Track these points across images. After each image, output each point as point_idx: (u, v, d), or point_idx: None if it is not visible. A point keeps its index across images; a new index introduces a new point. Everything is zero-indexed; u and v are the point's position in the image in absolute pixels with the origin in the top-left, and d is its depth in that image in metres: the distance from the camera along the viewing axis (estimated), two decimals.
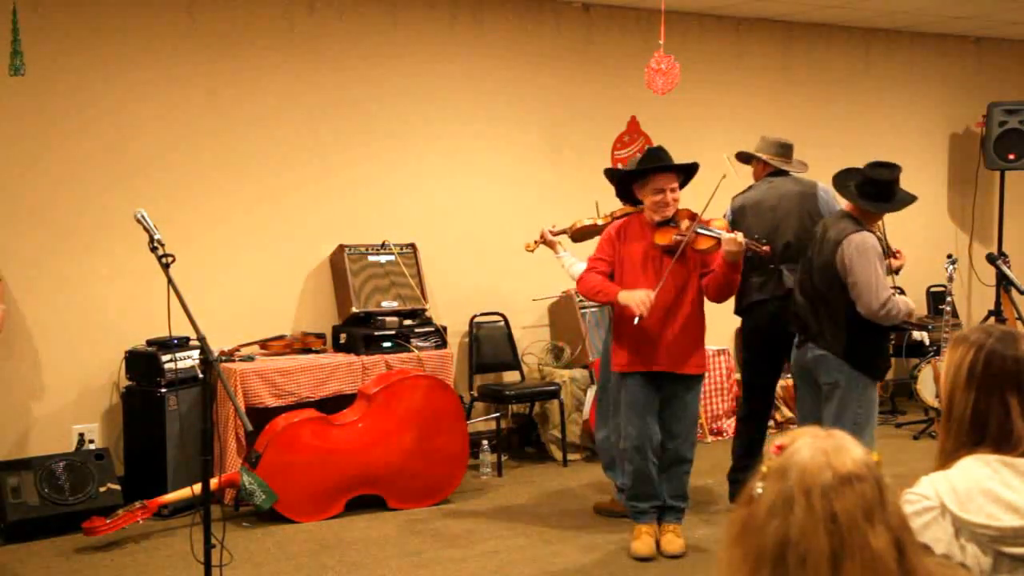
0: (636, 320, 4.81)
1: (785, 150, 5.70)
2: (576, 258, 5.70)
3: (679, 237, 4.94)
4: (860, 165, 5.05)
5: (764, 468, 1.54)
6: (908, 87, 8.83)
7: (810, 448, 1.52)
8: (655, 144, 7.54)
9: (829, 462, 1.49)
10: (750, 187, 5.70)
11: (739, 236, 4.81)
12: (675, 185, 5.02)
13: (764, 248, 4.97)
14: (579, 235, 5.84)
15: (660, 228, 5.00)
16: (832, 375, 4.83)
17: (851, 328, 4.77)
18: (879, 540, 1.46)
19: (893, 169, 4.91)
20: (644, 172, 5.01)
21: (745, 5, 7.60)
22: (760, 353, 5.62)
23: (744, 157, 5.85)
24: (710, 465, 6.30)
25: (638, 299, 4.84)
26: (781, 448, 1.54)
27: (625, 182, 5.14)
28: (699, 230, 4.94)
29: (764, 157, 5.65)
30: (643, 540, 5.05)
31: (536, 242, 5.86)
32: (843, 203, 5.09)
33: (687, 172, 5.10)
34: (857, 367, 4.82)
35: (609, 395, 5.47)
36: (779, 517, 1.48)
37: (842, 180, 4.99)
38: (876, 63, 8.65)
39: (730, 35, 8.01)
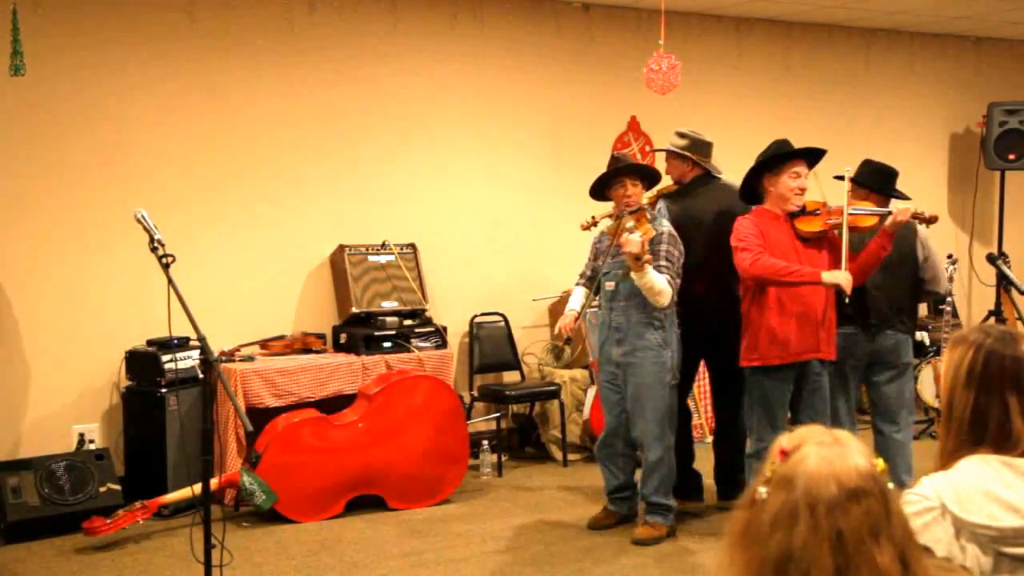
0: (847, 300, 4.78)
1: (709, 149, 5.56)
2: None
3: (833, 221, 4.98)
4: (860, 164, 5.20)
5: (768, 472, 1.52)
6: (908, 87, 8.83)
7: (816, 457, 1.49)
8: (654, 144, 7.61)
9: (835, 474, 1.47)
10: (679, 190, 5.55)
11: (907, 209, 4.89)
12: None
13: (933, 216, 5.03)
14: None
15: (799, 218, 5.00)
16: (909, 354, 5.21)
17: (915, 309, 5.27)
18: (884, 556, 1.45)
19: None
20: (784, 157, 4.96)
21: (745, 5, 7.60)
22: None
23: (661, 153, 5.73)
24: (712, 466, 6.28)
25: (845, 279, 4.76)
26: (786, 453, 1.52)
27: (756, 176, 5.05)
28: (855, 211, 4.99)
29: (696, 159, 5.49)
30: None
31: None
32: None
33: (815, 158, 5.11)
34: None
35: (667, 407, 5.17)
36: (783, 530, 1.46)
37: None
38: (876, 63, 8.65)
39: (730, 35, 8.01)
